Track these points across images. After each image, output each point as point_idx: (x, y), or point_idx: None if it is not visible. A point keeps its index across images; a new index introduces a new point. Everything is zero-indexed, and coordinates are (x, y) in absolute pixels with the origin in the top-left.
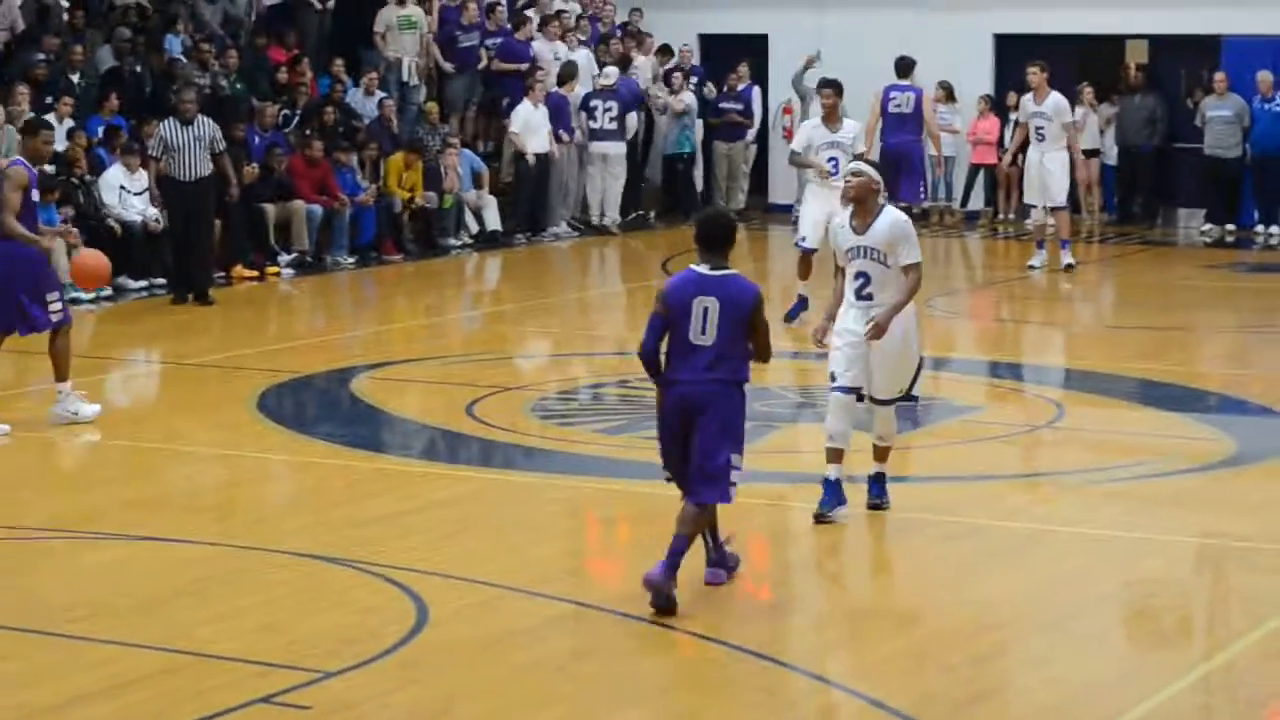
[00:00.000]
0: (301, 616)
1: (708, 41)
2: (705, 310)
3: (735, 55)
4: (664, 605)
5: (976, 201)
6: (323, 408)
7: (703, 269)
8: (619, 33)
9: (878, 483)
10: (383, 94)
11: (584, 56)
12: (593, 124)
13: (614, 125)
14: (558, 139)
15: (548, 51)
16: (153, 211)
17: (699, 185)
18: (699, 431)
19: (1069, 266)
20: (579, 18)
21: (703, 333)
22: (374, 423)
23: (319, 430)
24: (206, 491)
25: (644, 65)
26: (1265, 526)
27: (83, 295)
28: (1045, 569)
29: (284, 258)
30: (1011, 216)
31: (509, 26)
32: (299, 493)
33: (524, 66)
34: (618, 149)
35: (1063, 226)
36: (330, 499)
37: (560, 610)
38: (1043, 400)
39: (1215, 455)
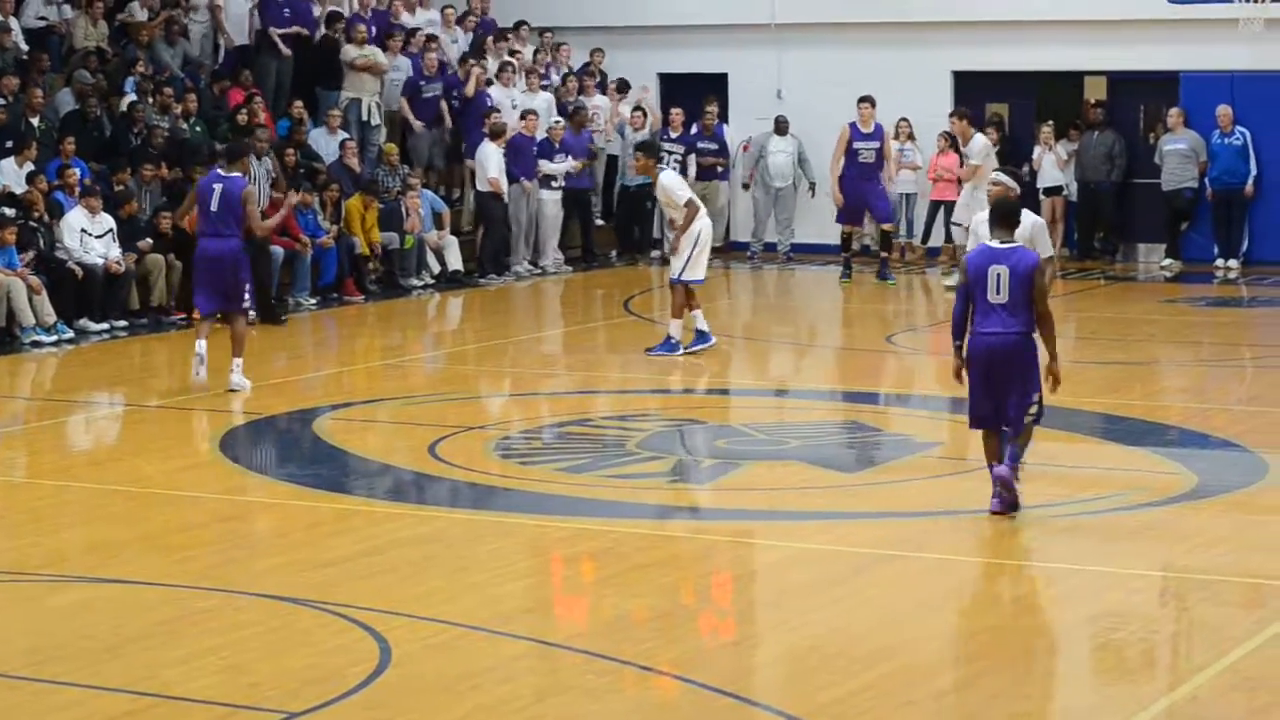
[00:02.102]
0: (266, 657)
1: (668, 81)
2: (998, 276)
3: (695, 94)
4: (1012, 501)
5: (937, 238)
6: (285, 448)
7: (993, 243)
8: (578, 74)
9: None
10: (344, 134)
11: (544, 100)
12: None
13: (564, 178)
14: (514, 179)
15: (504, 99)
16: (115, 253)
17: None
18: (1007, 376)
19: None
20: (536, 52)
21: (998, 293)
22: (337, 463)
23: (282, 471)
24: (170, 533)
25: (604, 105)
26: (1227, 560)
27: (44, 337)
28: (1008, 603)
29: (246, 300)
30: None
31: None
32: (262, 534)
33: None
34: (556, 196)
35: None
36: (293, 540)
37: (524, 649)
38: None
39: (1177, 489)
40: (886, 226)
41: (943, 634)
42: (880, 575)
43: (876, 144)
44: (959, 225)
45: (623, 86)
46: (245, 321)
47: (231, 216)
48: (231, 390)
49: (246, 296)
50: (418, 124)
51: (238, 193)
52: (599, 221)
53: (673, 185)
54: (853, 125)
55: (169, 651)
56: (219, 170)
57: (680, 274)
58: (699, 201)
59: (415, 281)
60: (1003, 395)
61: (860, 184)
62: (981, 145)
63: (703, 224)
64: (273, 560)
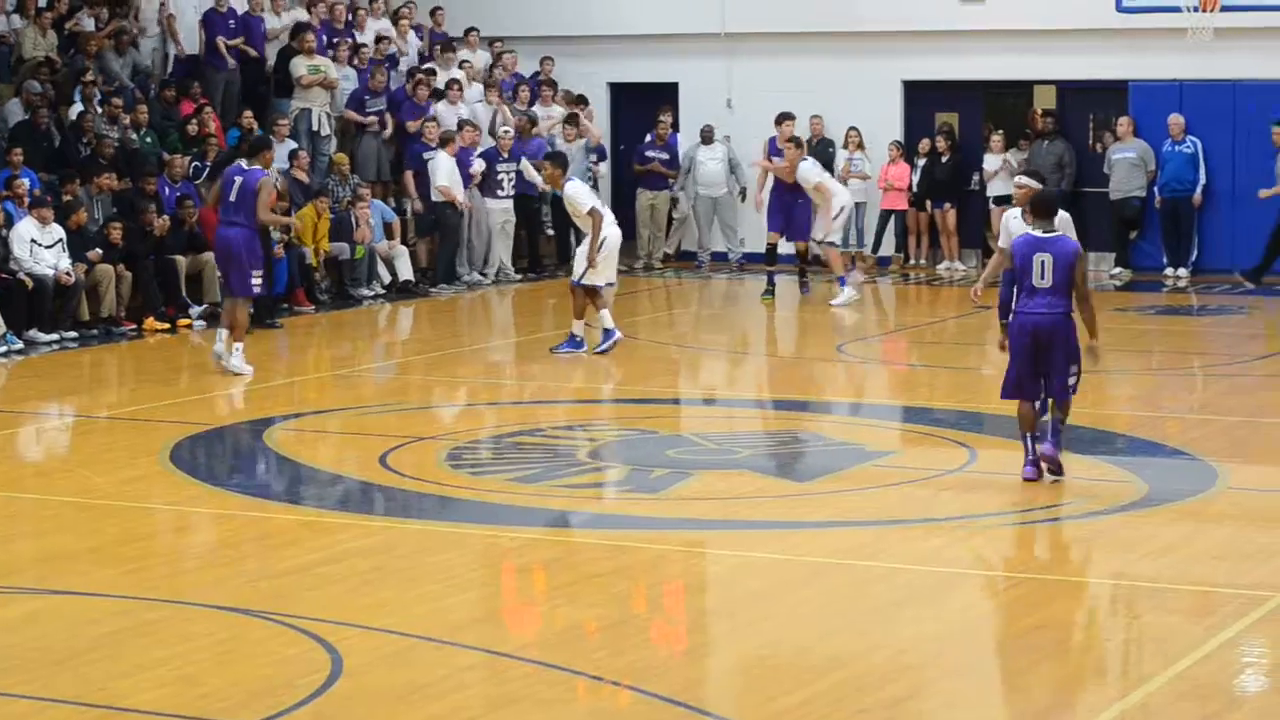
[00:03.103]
0: (217, 668)
1: (617, 90)
2: (1042, 262)
3: (645, 104)
4: (1057, 468)
5: (888, 247)
6: (236, 459)
7: (1037, 232)
8: (529, 83)
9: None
10: (294, 144)
11: (494, 110)
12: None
13: (511, 186)
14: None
15: (449, 114)
16: (65, 264)
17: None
18: (1051, 351)
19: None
20: (492, 66)
21: (1042, 278)
22: (288, 474)
23: (232, 482)
24: (120, 544)
25: (556, 114)
26: (1176, 568)
27: None
28: (959, 612)
29: (195, 310)
30: (923, 262)
31: (407, 91)
32: (213, 545)
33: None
34: (506, 205)
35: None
36: (244, 550)
37: (475, 660)
38: (955, 444)
39: (1127, 497)
40: (799, 245)
41: (894, 642)
42: (832, 584)
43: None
44: (814, 240)
45: (576, 100)
46: (246, 308)
47: (245, 207)
48: (233, 373)
49: (254, 285)
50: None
51: (254, 184)
52: (550, 231)
53: (576, 195)
54: (771, 141)
55: (120, 663)
56: (242, 164)
57: (580, 278)
58: (603, 209)
59: (366, 291)
60: (1048, 368)
61: (783, 196)
62: (810, 168)
63: (609, 231)
64: (223, 571)
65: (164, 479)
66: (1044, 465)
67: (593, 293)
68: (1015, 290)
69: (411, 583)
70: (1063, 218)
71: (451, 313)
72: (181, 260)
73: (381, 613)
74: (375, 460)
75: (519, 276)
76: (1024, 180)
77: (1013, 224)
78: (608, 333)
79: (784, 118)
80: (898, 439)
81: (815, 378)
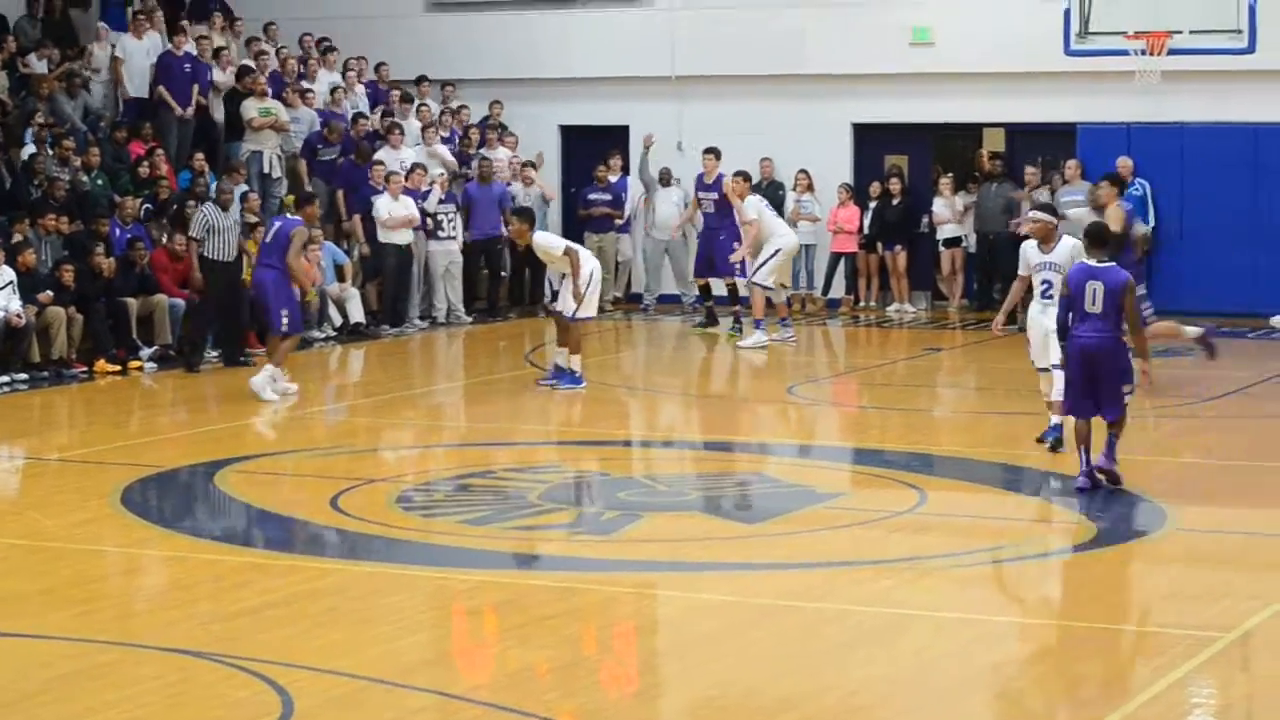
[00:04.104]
0: (168, 711)
1: (568, 132)
2: (1094, 290)
3: (596, 146)
4: (1116, 481)
5: (838, 289)
6: (187, 502)
7: (1091, 262)
8: (479, 126)
9: (1057, 430)
10: (245, 187)
11: (438, 155)
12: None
13: (453, 228)
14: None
15: (393, 160)
16: (16, 305)
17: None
18: (1103, 372)
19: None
20: (443, 113)
21: (1093, 304)
22: (239, 516)
23: (183, 524)
24: (70, 587)
25: (504, 158)
26: (1125, 608)
27: None
28: (909, 654)
29: (146, 351)
30: (873, 304)
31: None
32: (164, 587)
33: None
34: (449, 247)
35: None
36: (195, 593)
37: (426, 702)
38: (904, 486)
39: (1076, 538)
40: (726, 281)
41: (845, 684)
42: (782, 626)
43: (715, 195)
44: (742, 277)
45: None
46: (283, 340)
47: (278, 251)
48: (281, 395)
49: (284, 322)
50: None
51: (288, 231)
52: (504, 273)
53: (546, 243)
54: (698, 176)
55: (70, 705)
56: (287, 214)
57: (575, 313)
58: (576, 246)
59: (317, 333)
60: (1100, 386)
61: (705, 234)
62: (754, 203)
63: (592, 265)
64: (174, 613)
65: (115, 521)
66: (1101, 477)
67: (572, 329)
68: (1070, 315)
69: (362, 625)
70: (1074, 246)
71: (402, 355)
72: (133, 302)
73: (332, 655)
74: (326, 502)
75: (469, 319)
76: (1037, 215)
77: (1030, 253)
78: (561, 370)
79: (710, 152)
80: (848, 481)
81: (765, 419)
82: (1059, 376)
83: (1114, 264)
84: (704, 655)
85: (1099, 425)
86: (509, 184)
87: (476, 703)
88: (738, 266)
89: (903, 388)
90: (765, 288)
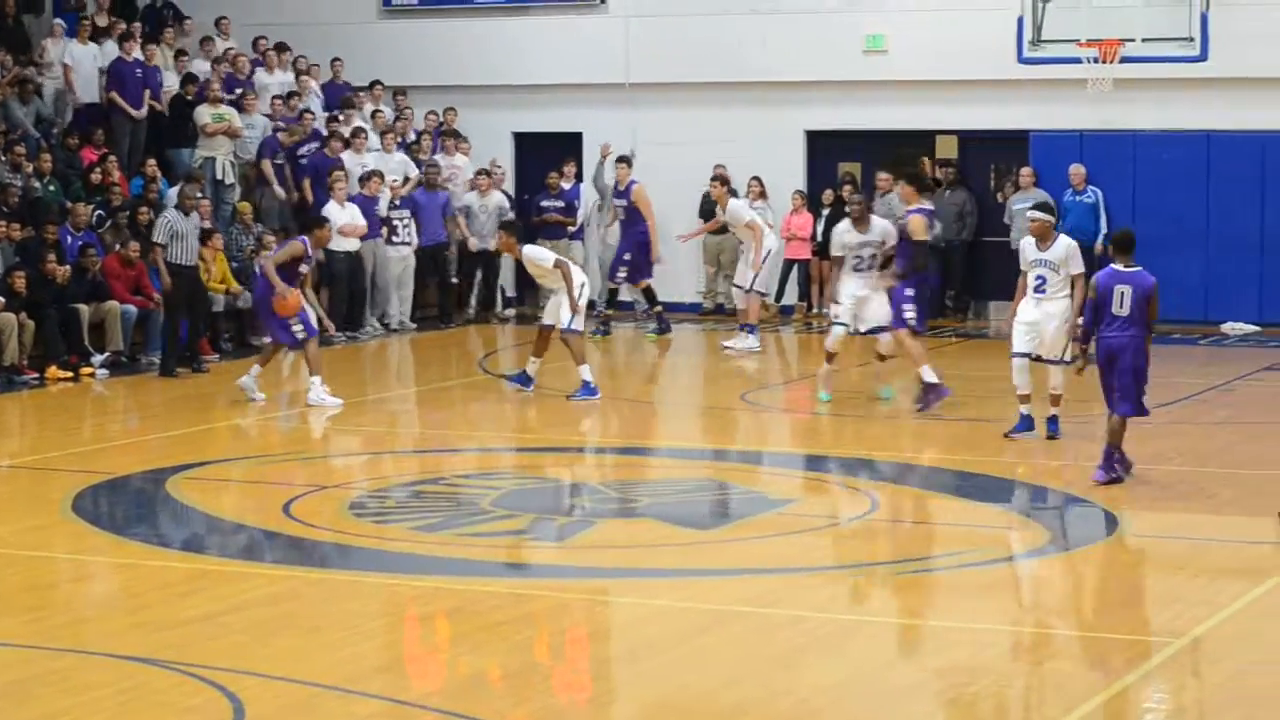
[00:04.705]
0: (118, 718)
1: (521, 139)
2: (1122, 293)
3: (549, 153)
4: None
5: (790, 296)
6: (138, 508)
7: (1118, 266)
8: (433, 133)
9: (1053, 422)
10: (199, 193)
11: (399, 161)
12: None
13: (408, 234)
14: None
15: (354, 164)
16: None
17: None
18: (1119, 369)
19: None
20: (398, 119)
21: (1120, 307)
22: (190, 523)
23: (135, 531)
24: (21, 593)
25: (462, 165)
26: (1075, 614)
27: None
28: (860, 659)
29: (98, 358)
30: (825, 311)
31: (316, 142)
32: (115, 594)
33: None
34: (404, 253)
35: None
36: (147, 600)
37: (378, 708)
38: (857, 492)
39: (1027, 544)
40: (640, 284)
41: (797, 690)
42: (734, 631)
43: (625, 202)
44: (739, 287)
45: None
46: (314, 347)
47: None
48: (309, 405)
49: (296, 333)
50: (279, 190)
51: (286, 244)
52: (453, 280)
53: (536, 256)
54: (619, 185)
55: (20, 712)
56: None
57: (570, 324)
58: (565, 259)
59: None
60: (1117, 382)
61: (625, 239)
62: (744, 205)
63: (582, 277)
64: (125, 620)
65: (66, 528)
66: (1120, 470)
67: (544, 340)
68: (1096, 318)
69: (314, 632)
70: (1070, 246)
71: (355, 361)
72: (84, 309)
73: (284, 662)
74: (278, 509)
75: (414, 325)
76: (1035, 215)
77: (1027, 250)
78: (526, 378)
79: (621, 160)
80: (801, 487)
81: (718, 426)
82: (1055, 371)
83: (1141, 269)
84: (656, 661)
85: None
86: (471, 191)
87: (428, 709)
88: (740, 278)
89: (855, 394)
90: (761, 293)
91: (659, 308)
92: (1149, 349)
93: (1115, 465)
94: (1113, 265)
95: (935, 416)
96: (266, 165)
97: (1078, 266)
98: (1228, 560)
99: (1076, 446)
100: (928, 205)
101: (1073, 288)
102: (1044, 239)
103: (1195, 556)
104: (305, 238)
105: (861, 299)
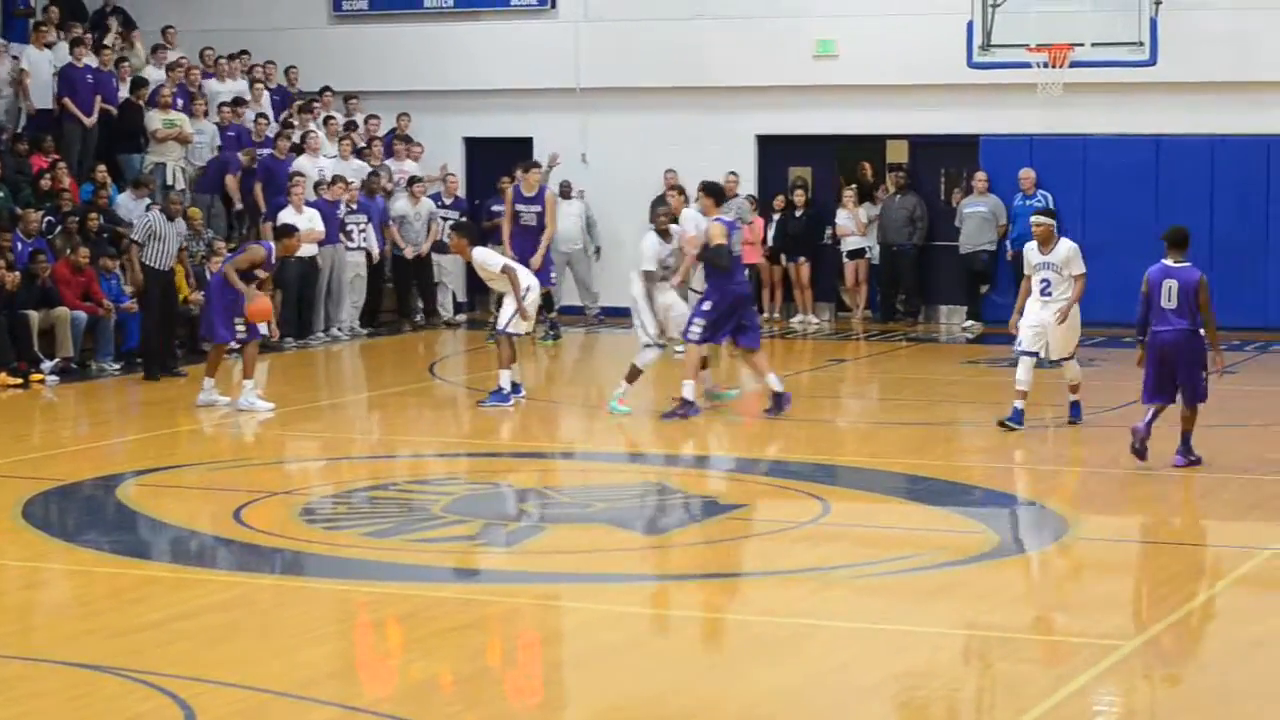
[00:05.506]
0: None
1: (472, 144)
2: (1170, 287)
3: (500, 158)
4: (1141, 450)
5: None
6: (89, 515)
7: (1168, 262)
8: (384, 139)
9: (1075, 409)
10: (148, 199)
11: (356, 166)
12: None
13: (363, 239)
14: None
15: (310, 168)
16: None
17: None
18: (1180, 364)
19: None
20: (350, 125)
21: (1168, 301)
22: (141, 529)
23: (85, 538)
24: None
25: (411, 170)
26: (1027, 617)
27: None
28: (813, 663)
29: (48, 364)
30: (776, 315)
31: (269, 147)
32: (65, 601)
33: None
34: (359, 258)
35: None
36: (97, 607)
37: (329, 714)
38: (808, 497)
39: (978, 548)
40: (543, 290)
41: (748, 694)
42: (685, 636)
43: (538, 208)
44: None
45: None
46: (252, 350)
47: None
48: (238, 408)
49: (240, 330)
50: (239, 205)
51: (246, 247)
52: (388, 285)
53: (486, 260)
54: (515, 188)
55: None
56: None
57: (507, 326)
58: (515, 264)
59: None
60: (1179, 376)
61: (523, 246)
62: (690, 216)
63: (530, 282)
64: (75, 627)
65: (16, 535)
66: (1196, 455)
67: (511, 345)
68: (1148, 312)
69: (265, 638)
70: (1071, 247)
71: (307, 366)
72: (34, 315)
73: (235, 668)
74: (229, 515)
75: (365, 331)
76: (1038, 219)
77: (1031, 255)
78: (500, 392)
79: (530, 166)
80: (752, 492)
81: (669, 431)
82: (1071, 366)
83: (1190, 264)
84: (607, 666)
85: (1168, 414)
86: (404, 197)
87: (380, 715)
88: (553, 276)
89: (806, 399)
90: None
91: (553, 313)
92: (1203, 342)
93: (1192, 450)
94: (1164, 260)
95: (884, 422)
96: (231, 182)
97: (1079, 268)
98: (1179, 562)
99: (1027, 449)
100: (727, 217)
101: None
102: (1046, 243)
103: (1146, 559)
104: (270, 244)
105: (665, 307)
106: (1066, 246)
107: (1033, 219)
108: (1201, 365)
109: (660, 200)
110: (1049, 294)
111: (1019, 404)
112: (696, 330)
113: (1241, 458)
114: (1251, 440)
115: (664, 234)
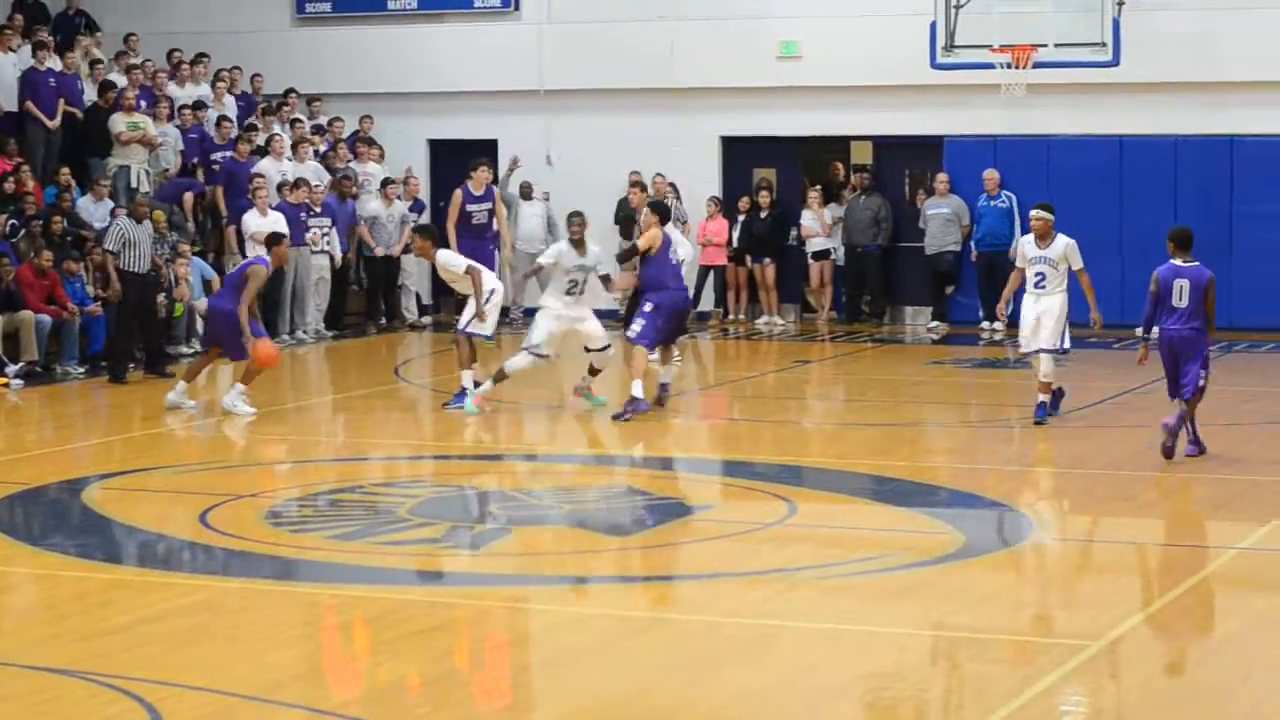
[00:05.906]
0: None
1: (436, 146)
2: (1181, 287)
3: (464, 160)
4: (1170, 449)
5: (707, 302)
6: (54, 519)
7: (1178, 262)
8: (348, 141)
9: (1041, 407)
10: (112, 203)
11: (312, 169)
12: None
13: (327, 242)
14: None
15: (273, 170)
16: None
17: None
18: (1184, 359)
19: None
20: (319, 129)
21: (1180, 300)
22: (107, 533)
23: (50, 542)
24: None
25: (374, 172)
26: (994, 618)
27: None
28: (780, 664)
29: (12, 368)
30: (741, 316)
31: (230, 149)
32: (30, 605)
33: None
34: (323, 261)
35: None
36: (63, 611)
37: (297, 716)
38: (774, 498)
39: (945, 548)
40: None
41: (716, 696)
42: (653, 638)
43: (488, 205)
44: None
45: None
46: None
47: (234, 284)
48: (223, 408)
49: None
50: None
51: (246, 268)
52: (354, 286)
53: (449, 261)
54: (465, 188)
55: None
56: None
57: (467, 326)
58: (478, 266)
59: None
60: (1179, 370)
61: (474, 246)
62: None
63: (494, 284)
64: (41, 631)
65: None
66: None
67: (473, 344)
68: (1157, 310)
69: (232, 641)
70: (1069, 244)
71: (272, 369)
72: None
73: (202, 671)
74: (195, 519)
75: (330, 334)
76: (1038, 213)
77: (1027, 248)
78: (465, 394)
79: (479, 164)
80: (718, 493)
81: (636, 432)
82: (1046, 360)
83: (1199, 264)
84: (575, 668)
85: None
86: (377, 199)
87: (347, 717)
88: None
89: (772, 400)
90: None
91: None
92: (1206, 339)
93: (1199, 438)
94: (1172, 260)
95: (850, 423)
96: (216, 193)
97: (1077, 262)
98: (1145, 562)
99: (993, 450)
100: (673, 231)
101: (1079, 281)
102: (1044, 237)
103: (1112, 559)
104: (265, 259)
105: (576, 319)
106: (1064, 242)
107: (1032, 213)
108: (1202, 362)
109: (576, 213)
110: (1043, 287)
111: (1044, 397)
112: (635, 330)
113: (1207, 457)
114: (1217, 440)
115: (577, 244)
